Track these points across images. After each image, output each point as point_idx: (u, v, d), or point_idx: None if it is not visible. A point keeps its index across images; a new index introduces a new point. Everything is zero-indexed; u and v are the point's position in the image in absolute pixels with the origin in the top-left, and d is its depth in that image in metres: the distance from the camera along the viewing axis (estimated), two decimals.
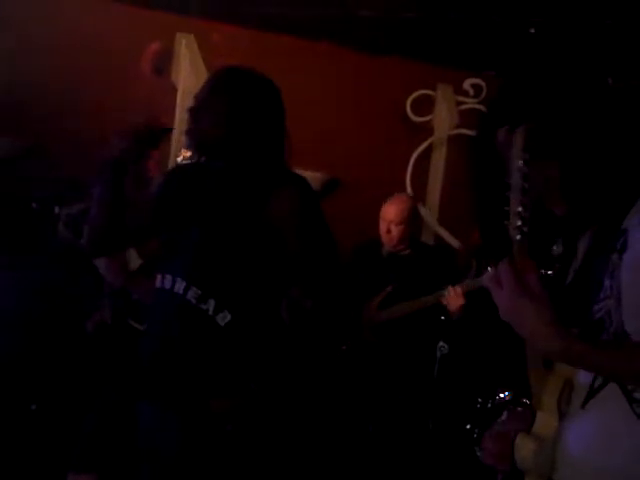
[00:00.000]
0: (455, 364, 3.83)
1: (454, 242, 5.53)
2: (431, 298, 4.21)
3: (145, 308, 2.88)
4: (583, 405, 1.72)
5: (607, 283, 1.70)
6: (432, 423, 3.89)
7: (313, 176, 4.67)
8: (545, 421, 1.77)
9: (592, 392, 1.70)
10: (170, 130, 2.68)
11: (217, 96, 2.50)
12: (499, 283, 1.59)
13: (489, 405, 2.49)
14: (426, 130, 5.56)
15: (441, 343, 3.86)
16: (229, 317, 2.39)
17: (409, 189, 5.52)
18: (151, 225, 2.64)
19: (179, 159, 3.75)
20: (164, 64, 5.11)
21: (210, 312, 2.38)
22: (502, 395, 2.33)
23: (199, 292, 2.40)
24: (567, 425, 1.75)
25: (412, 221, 4.56)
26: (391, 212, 4.51)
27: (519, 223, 1.62)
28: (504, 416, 1.95)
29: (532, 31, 4.12)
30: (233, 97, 2.49)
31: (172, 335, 2.42)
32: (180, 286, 2.43)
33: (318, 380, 3.85)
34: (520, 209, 1.61)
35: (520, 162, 1.62)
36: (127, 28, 4.89)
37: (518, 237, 1.62)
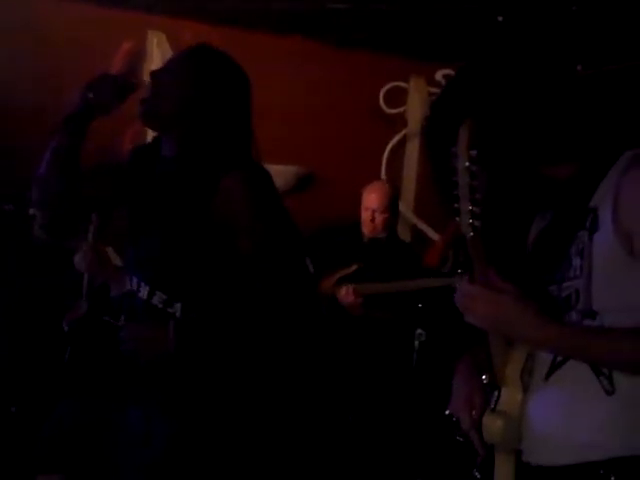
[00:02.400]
0: (434, 351, 3.85)
1: (432, 233, 5.55)
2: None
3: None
4: (547, 377, 1.74)
5: (576, 262, 1.72)
6: (411, 410, 3.90)
7: (286, 170, 4.69)
8: (509, 396, 1.79)
9: (556, 364, 1.72)
10: (133, 85, 2.53)
11: (179, 70, 2.39)
12: (470, 298, 1.62)
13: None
14: (400, 122, 5.58)
15: (419, 330, 3.87)
16: (178, 313, 2.32)
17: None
18: (108, 199, 2.57)
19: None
20: (136, 62, 5.09)
21: (178, 315, 2.33)
22: (486, 378, 2.33)
23: (164, 297, 2.34)
24: (530, 397, 1.77)
25: (395, 208, 4.55)
26: (374, 200, 4.46)
27: (470, 221, 1.62)
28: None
29: (500, 19, 4.14)
30: (198, 70, 2.37)
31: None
32: (144, 291, 2.36)
33: (296, 372, 3.86)
34: (470, 207, 1.61)
35: (466, 162, 1.60)
36: (98, 27, 4.88)
37: (470, 234, 1.63)
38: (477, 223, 1.63)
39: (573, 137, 1.76)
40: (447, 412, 2.07)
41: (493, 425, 1.79)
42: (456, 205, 1.64)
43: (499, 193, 1.77)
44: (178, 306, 2.33)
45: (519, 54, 1.82)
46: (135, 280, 2.40)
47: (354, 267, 4.29)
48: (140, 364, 2.36)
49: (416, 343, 3.90)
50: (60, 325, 3.81)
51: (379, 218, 4.43)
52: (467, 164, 1.61)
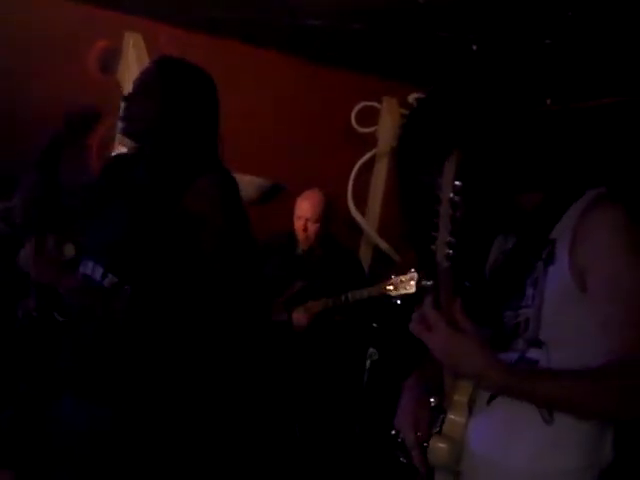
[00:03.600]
0: (385, 370, 3.86)
1: (394, 254, 5.57)
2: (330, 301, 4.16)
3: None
4: (489, 402, 1.76)
5: (529, 291, 1.74)
6: (359, 428, 3.91)
7: (254, 181, 4.70)
8: (455, 421, 1.81)
9: None
10: (99, 116, 2.69)
11: (150, 84, 2.51)
12: (427, 326, 1.63)
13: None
14: (370, 141, 5.61)
15: (371, 349, 3.87)
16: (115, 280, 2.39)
17: (350, 199, 5.56)
18: (80, 211, 2.63)
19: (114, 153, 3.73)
20: (111, 62, 5.08)
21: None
22: (434, 401, 2.35)
23: (115, 280, 2.40)
24: (473, 421, 1.79)
25: (327, 218, 4.46)
26: (306, 209, 4.40)
27: (448, 251, 1.64)
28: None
29: (474, 48, 4.19)
30: (165, 85, 2.49)
31: (88, 322, 2.41)
32: (98, 273, 2.43)
33: (244, 383, 3.86)
34: (449, 239, 1.63)
35: (450, 193, 1.62)
36: (75, 26, 4.86)
37: (446, 264, 1.65)
38: (452, 253, 1.64)
39: (540, 168, 1.79)
40: (393, 432, 2.08)
41: (438, 448, 1.81)
42: (434, 234, 1.66)
43: (472, 221, 1.80)
44: (127, 289, 2.38)
45: (494, 86, 1.85)
46: (90, 264, 2.47)
47: (298, 285, 4.27)
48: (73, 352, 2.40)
49: (368, 362, 3.90)
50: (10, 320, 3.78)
51: (311, 227, 4.37)
52: (451, 195, 1.62)
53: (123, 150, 3.32)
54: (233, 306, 2.39)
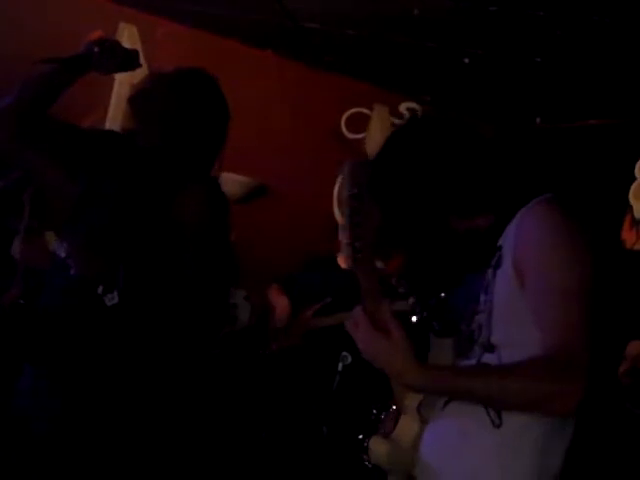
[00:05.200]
0: (357, 374, 3.87)
1: (377, 260, 5.57)
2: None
3: None
4: (444, 407, 1.79)
5: (482, 298, 1.79)
6: (327, 430, 3.91)
7: (240, 180, 4.71)
8: (406, 424, 1.85)
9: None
10: (139, 66, 2.65)
11: (167, 85, 2.55)
12: (355, 327, 1.67)
13: (382, 416, 2.54)
14: (358, 148, 5.62)
15: (344, 353, 3.88)
16: (116, 300, 2.39)
17: (336, 204, 5.57)
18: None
19: None
20: None
21: (99, 291, 2.39)
22: (394, 407, 2.38)
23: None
24: (429, 426, 1.82)
25: None
26: None
27: (351, 253, 1.69)
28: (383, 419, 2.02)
29: (466, 61, 4.22)
30: (181, 93, 2.53)
31: (57, 304, 2.42)
32: (61, 250, 2.47)
33: (209, 384, 3.87)
34: (349, 240, 1.69)
35: (347, 196, 1.69)
36: (69, 14, 4.85)
37: (351, 266, 1.70)
38: (359, 256, 1.69)
39: (488, 191, 1.84)
40: (360, 436, 2.11)
41: (379, 449, 1.85)
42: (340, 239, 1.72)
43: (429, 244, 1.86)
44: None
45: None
46: (66, 246, 2.48)
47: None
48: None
49: (340, 365, 3.91)
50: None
51: None
52: (347, 198, 1.69)
53: None
54: (194, 309, 2.42)
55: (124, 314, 2.40)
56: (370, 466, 2.16)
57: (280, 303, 4.39)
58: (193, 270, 2.41)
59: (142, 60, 2.70)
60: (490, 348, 1.74)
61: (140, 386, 2.41)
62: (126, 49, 2.61)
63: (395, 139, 1.93)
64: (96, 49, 2.52)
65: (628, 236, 5.11)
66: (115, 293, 2.38)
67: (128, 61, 2.59)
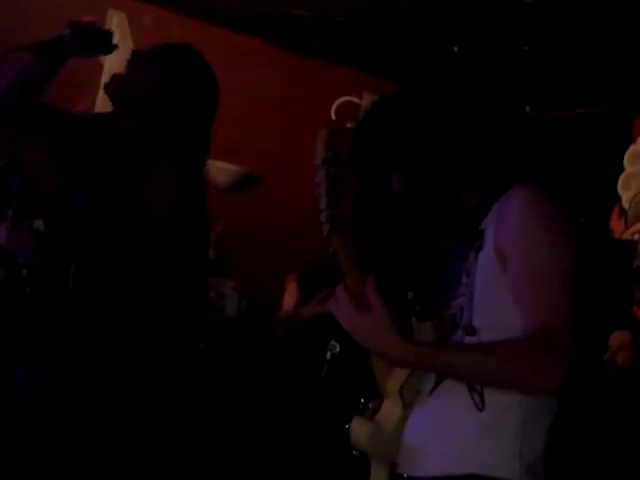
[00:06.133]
0: (345, 364, 3.87)
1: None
2: None
3: None
4: (431, 392, 1.79)
5: (464, 280, 1.78)
6: (314, 421, 3.91)
7: (230, 168, 4.69)
8: (388, 408, 1.84)
9: (439, 379, 1.77)
10: (113, 49, 2.58)
11: (157, 61, 2.49)
12: (337, 303, 1.65)
13: (369, 405, 2.55)
14: (349, 136, 5.61)
15: (332, 342, 3.88)
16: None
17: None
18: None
19: None
20: None
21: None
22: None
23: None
24: (415, 411, 1.82)
25: None
26: None
27: (325, 220, 1.65)
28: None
29: (455, 49, 4.22)
30: (171, 69, 2.46)
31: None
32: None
33: (196, 374, 3.87)
34: (324, 206, 1.65)
35: (320, 161, 1.67)
36: (59, 0, 4.82)
37: (325, 234, 1.67)
38: (336, 225, 1.66)
39: (477, 169, 1.83)
40: (347, 426, 2.11)
41: (360, 430, 1.84)
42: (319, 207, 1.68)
43: (417, 218, 1.84)
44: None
45: (445, 96, 1.90)
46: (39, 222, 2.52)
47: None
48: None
49: (328, 354, 3.91)
50: None
51: None
52: (320, 163, 1.67)
53: None
54: (167, 292, 2.36)
55: (91, 301, 2.37)
56: (357, 454, 2.15)
57: (289, 290, 4.42)
58: (162, 253, 2.35)
59: (123, 42, 2.65)
60: (471, 331, 1.73)
61: (117, 374, 2.39)
62: (100, 30, 2.51)
63: (383, 105, 1.90)
64: (66, 32, 2.44)
65: (616, 226, 5.13)
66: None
67: (102, 43, 2.52)
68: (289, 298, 4.46)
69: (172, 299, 2.37)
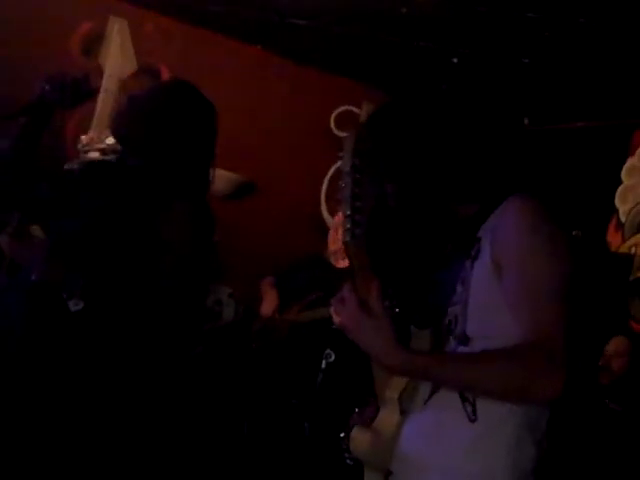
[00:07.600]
0: (340, 372, 3.87)
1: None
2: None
3: None
4: (426, 402, 1.79)
5: (459, 289, 1.79)
6: (309, 428, 3.91)
7: (228, 176, 4.69)
8: (386, 416, 1.84)
9: (434, 389, 1.77)
10: (95, 91, 2.65)
11: (160, 98, 2.58)
12: (341, 304, 1.66)
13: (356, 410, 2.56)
14: None
15: (328, 350, 3.88)
16: (81, 306, 2.39)
17: (323, 202, 5.58)
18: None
19: (79, 145, 3.71)
20: (94, 46, 5.06)
21: (65, 295, 2.40)
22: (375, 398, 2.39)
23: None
24: (408, 420, 1.82)
25: None
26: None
27: (349, 226, 1.68)
28: (355, 413, 2.02)
29: (455, 61, 4.23)
30: (173, 107, 2.56)
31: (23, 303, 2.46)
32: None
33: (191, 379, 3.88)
34: (349, 212, 1.68)
35: (348, 167, 1.68)
36: (60, 8, 4.83)
37: (347, 239, 1.69)
38: (357, 231, 1.68)
39: (476, 181, 1.84)
40: (341, 434, 2.11)
41: (361, 439, 1.84)
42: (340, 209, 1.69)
43: (413, 227, 1.85)
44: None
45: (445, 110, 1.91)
46: None
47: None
48: None
49: (323, 363, 3.91)
50: None
51: None
52: (348, 169, 1.68)
53: (99, 144, 3.32)
54: (165, 320, 2.45)
55: (89, 319, 2.40)
56: (351, 463, 2.15)
57: (268, 296, 4.41)
58: (168, 282, 2.43)
59: (124, 49, 2.70)
60: (465, 340, 1.74)
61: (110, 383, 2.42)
62: (74, 78, 2.57)
63: (375, 118, 1.91)
64: (47, 87, 2.51)
65: (613, 239, 5.13)
66: (80, 300, 2.40)
67: (80, 91, 2.57)
68: (268, 304, 4.43)
69: (173, 312, 2.45)
